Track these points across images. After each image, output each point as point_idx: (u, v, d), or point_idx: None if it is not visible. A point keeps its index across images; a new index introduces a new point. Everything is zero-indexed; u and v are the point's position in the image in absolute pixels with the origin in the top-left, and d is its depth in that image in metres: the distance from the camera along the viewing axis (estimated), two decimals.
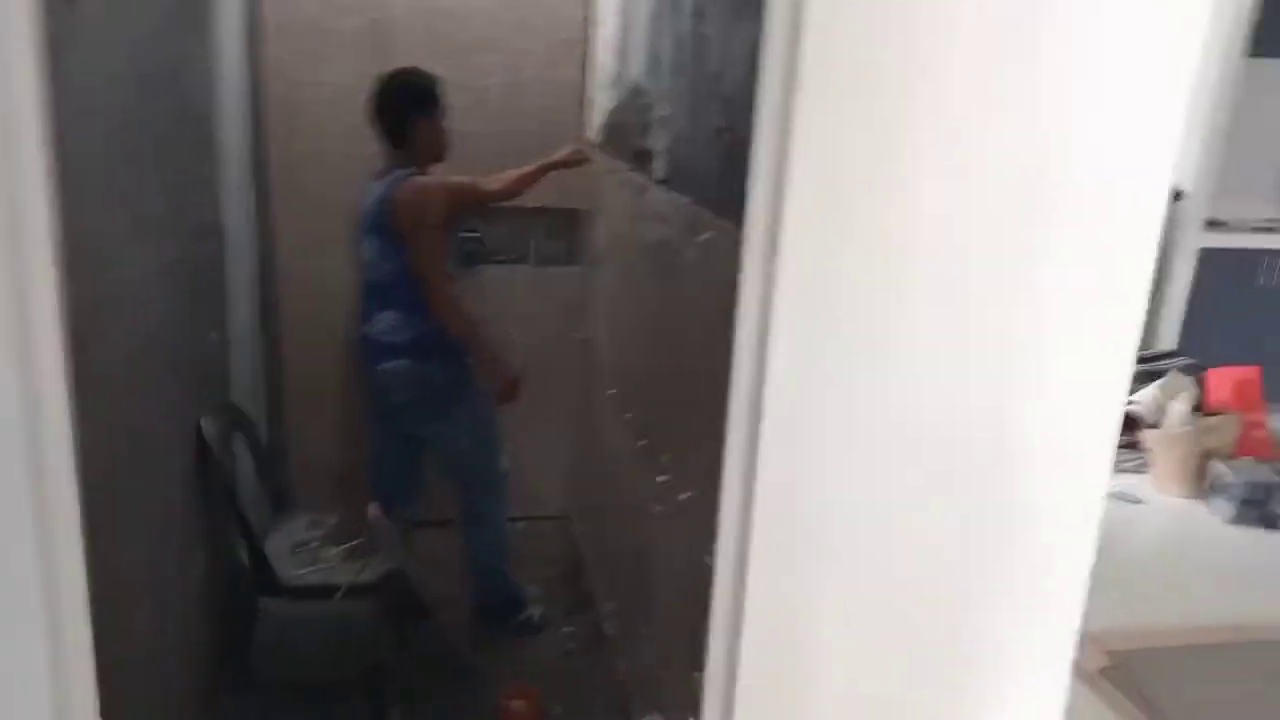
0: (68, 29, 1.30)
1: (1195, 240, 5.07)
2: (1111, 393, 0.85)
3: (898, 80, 0.71)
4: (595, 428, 2.81)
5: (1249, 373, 4.31)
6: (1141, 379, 4.36)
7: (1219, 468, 3.50)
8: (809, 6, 0.70)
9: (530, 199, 3.20)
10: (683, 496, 1.67)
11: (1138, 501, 3.50)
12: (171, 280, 1.89)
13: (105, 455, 1.38)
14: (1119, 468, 3.97)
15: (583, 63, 3.11)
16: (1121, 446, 4.03)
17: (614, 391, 2.48)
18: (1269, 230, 5.39)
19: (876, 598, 0.84)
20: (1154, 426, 3.91)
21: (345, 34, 2.96)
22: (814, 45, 0.70)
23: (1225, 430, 3.76)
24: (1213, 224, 5.17)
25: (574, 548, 3.18)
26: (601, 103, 2.89)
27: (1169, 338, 5.04)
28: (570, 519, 3.31)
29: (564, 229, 3.26)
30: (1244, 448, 3.91)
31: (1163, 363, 4.54)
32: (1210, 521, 3.39)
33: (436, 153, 2.59)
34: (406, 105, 2.52)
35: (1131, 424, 4.00)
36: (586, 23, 3.08)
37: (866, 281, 0.75)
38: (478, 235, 3.17)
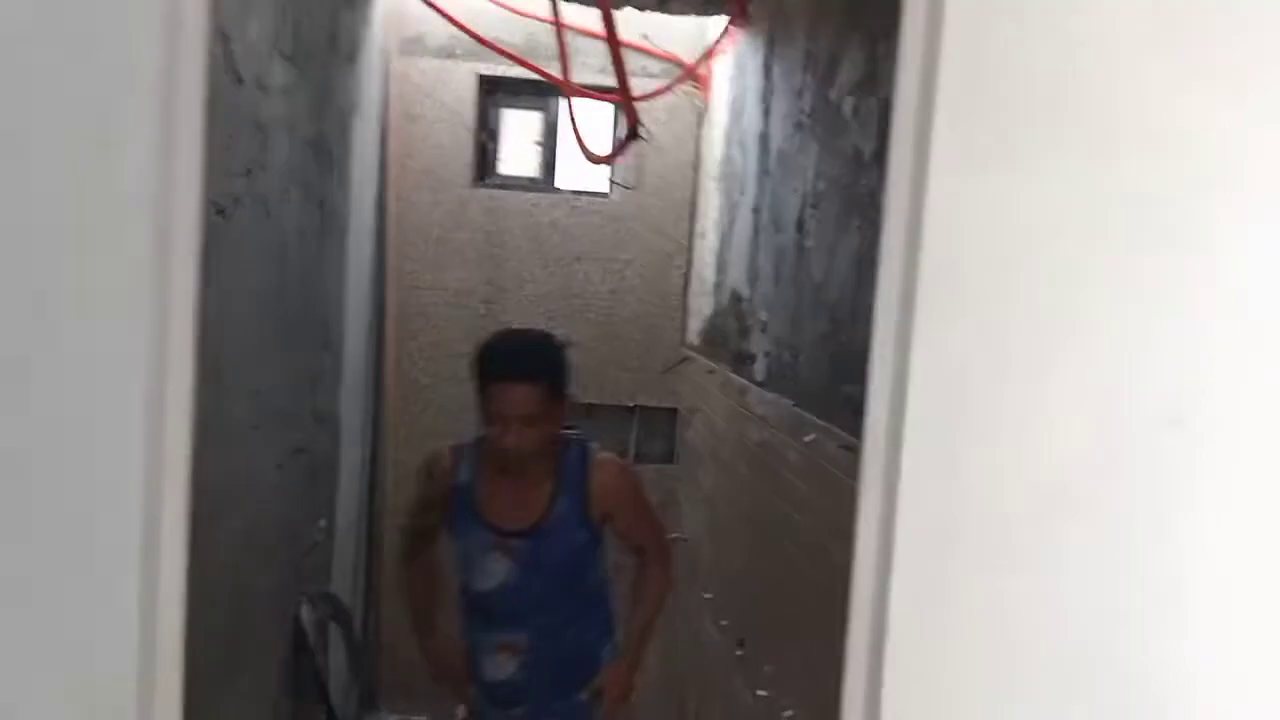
0: (218, 238, 1.44)
1: None
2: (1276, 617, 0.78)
3: (1031, 302, 0.71)
4: (690, 633, 2.72)
5: None
6: None
7: None
8: (928, 222, 0.72)
9: (629, 397, 3.28)
10: (786, 714, 1.57)
11: None
12: (288, 468, 1.97)
13: (209, 639, 1.40)
14: None
15: (685, 273, 3.25)
16: None
17: (710, 595, 2.41)
18: None
19: None
20: None
21: (463, 245, 3.18)
22: (931, 260, 0.71)
23: None
24: None
25: None
26: (701, 309, 2.99)
27: None
28: None
29: (663, 427, 3.30)
30: None
31: None
32: None
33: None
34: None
35: None
36: (690, 234, 3.25)
37: (993, 506, 0.73)
38: (579, 431, 3.23)
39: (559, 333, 2.21)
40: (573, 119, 2.66)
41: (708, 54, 2.90)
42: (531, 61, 2.92)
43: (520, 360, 1.90)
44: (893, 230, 0.74)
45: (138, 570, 0.68)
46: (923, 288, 0.69)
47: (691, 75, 3.00)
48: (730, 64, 2.80)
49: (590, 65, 3.02)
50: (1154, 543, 0.73)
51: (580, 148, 2.70)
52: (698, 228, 3.19)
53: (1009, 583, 0.72)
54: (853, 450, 1.36)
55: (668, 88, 2.90)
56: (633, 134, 2.50)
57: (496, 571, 1.99)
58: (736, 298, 2.51)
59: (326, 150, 2.20)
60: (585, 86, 2.93)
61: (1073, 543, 0.72)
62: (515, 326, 2.43)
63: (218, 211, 1.43)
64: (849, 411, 1.46)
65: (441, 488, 2.01)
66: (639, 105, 2.78)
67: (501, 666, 2.06)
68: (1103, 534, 0.72)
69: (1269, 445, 0.72)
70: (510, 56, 2.91)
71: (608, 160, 2.71)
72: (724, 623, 2.23)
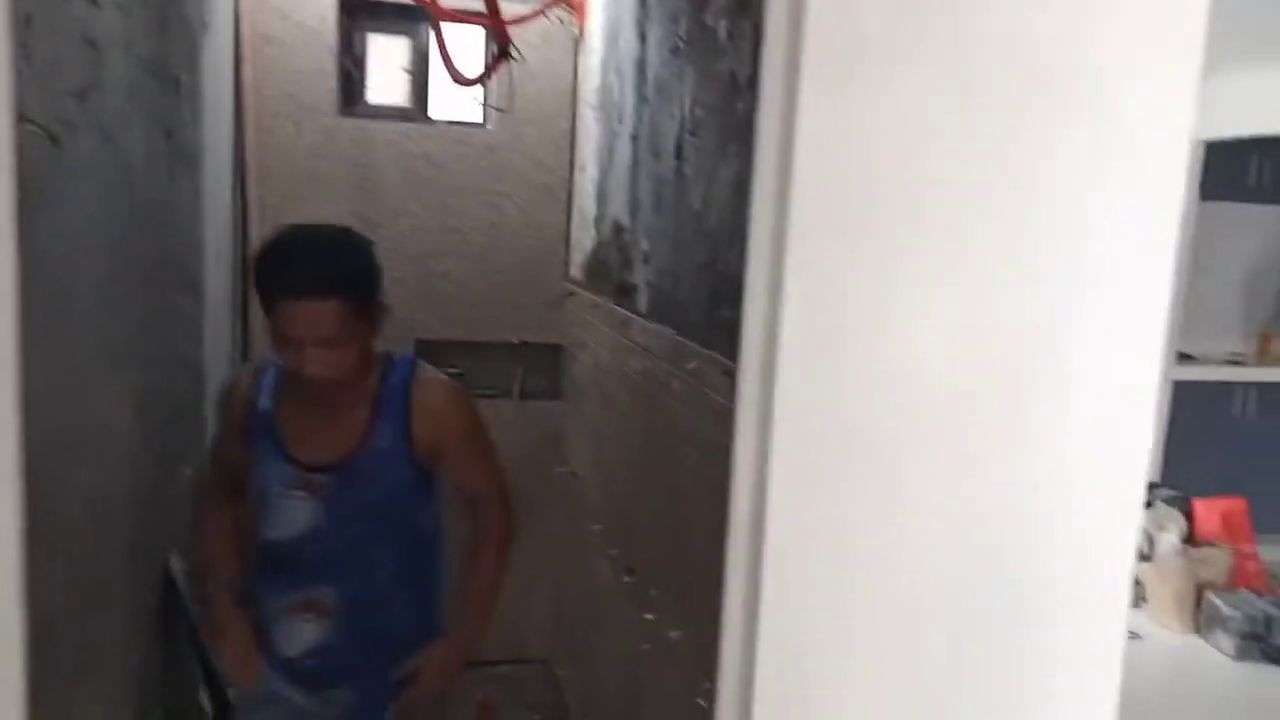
0: (52, 166, 1.32)
1: (1169, 373, 5.15)
2: (1124, 530, 0.82)
3: (890, 220, 0.71)
4: (578, 565, 2.74)
5: (1235, 503, 4.31)
6: None
7: (1216, 602, 3.44)
8: (799, 142, 0.71)
9: (512, 334, 3.23)
10: (673, 635, 1.60)
11: (1136, 637, 3.41)
12: (145, 413, 1.86)
13: (61, 592, 1.32)
14: None
15: (566, 205, 3.20)
16: None
17: (599, 527, 2.43)
18: (1237, 363, 5.51)
19: None
20: (1145, 559, 3.86)
21: (330, 178, 3.03)
22: (802, 180, 0.71)
23: (1218, 562, 3.71)
24: (1184, 357, 5.28)
25: (558, 691, 3.04)
26: (583, 242, 2.96)
27: (1151, 469, 5.04)
28: (553, 661, 3.18)
29: (547, 364, 3.27)
30: (1238, 580, 3.85)
31: (1149, 494, 4.52)
32: (1213, 657, 3.30)
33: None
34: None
35: None
36: (570, 166, 3.18)
37: (866, 416, 0.74)
38: (460, 371, 3.17)
39: (357, 230, 1.70)
40: (441, 42, 2.55)
41: None
42: None
43: (312, 269, 1.51)
44: (764, 151, 0.73)
45: None
46: (795, 207, 0.69)
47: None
48: None
49: None
50: (1016, 457, 0.76)
51: (448, 69, 2.59)
52: (577, 158, 3.13)
53: (880, 498, 0.74)
54: (733, 376, 1.37)
55: (539, 12, 2.80)
56: (503, 53, 2.41)
57: (299, 514, 1.64)
58: (618, 229, 2.48)
59: (172, 74, 2.04)
60: (453, 11, 2.80)
61: (940, 457, 0.74)
62: (301, 223, 1.80)
63: (49, 137, 1.30)
64: (729, 338, 1.47)
65: (239, 414, 1.69)
66: (511, 31, 2.69)
67: (302, 636, 1.68)
68: (968, 448, 0.74)
69: (1129, 362, 0.76)
70: None
71: (477, 82, 2.62)
72: (613, 552, 2.25)
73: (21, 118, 1.09)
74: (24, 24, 1.15)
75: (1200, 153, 5.10)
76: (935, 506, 0.75)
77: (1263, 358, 5.63)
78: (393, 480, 1.68)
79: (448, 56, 2.56)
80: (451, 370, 3.19)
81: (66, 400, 1.37)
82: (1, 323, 0.62)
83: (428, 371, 1.72)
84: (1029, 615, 0.81)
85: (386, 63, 3.19)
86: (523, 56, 2.68)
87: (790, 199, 0.69)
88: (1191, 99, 0.75)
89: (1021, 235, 0.74)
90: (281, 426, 1.67)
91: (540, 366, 3.27)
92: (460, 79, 2.60)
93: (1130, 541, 0.84)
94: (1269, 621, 3.25)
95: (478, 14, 2.64)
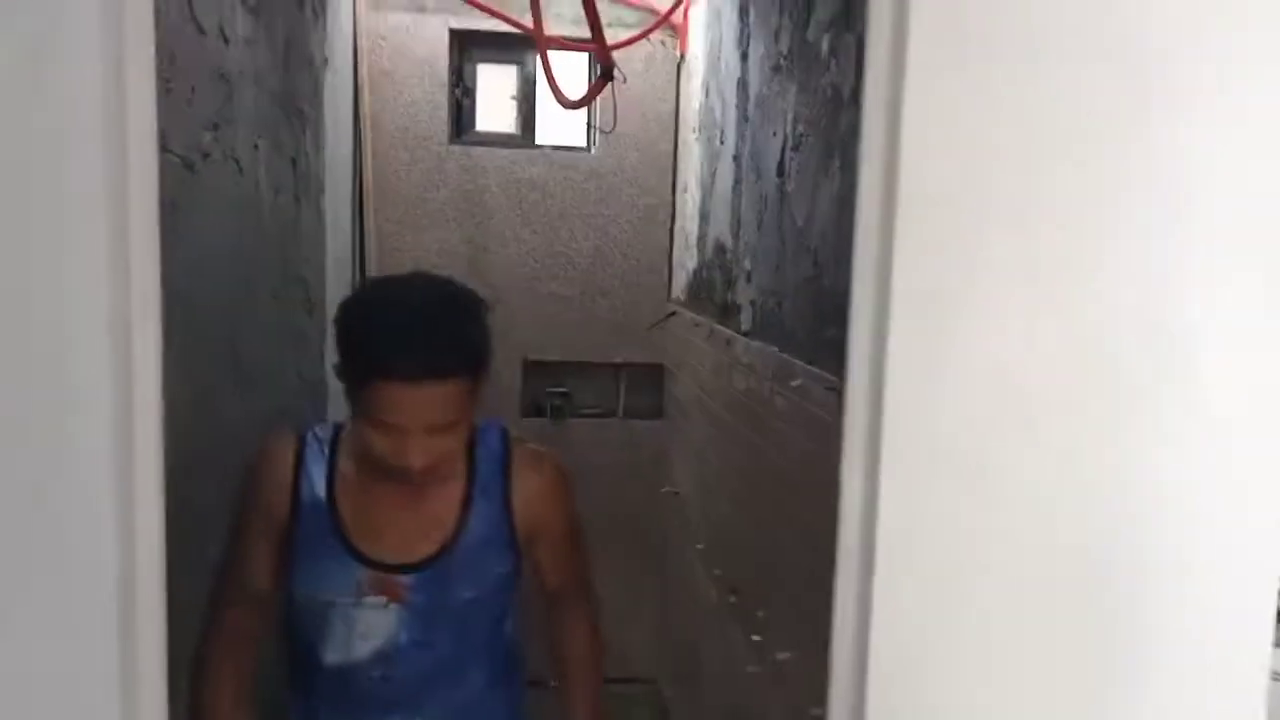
0: (188, 192, 1.41)
1: None
2: (1268, 539, 0.77)
3: (999, 228, 0.70)
4: (683, 584, 2.73)
5: None
6: None
7: None
8: (904, 154, 0.71)
9: (616, 354, 3.26)
10: (780, 656, 1.58)
11: None
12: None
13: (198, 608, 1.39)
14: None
15: (669, 227, 3.22)
16: None
17: (702, 546, 2.42)
18: None
19: None
20: None
21: (442, 204, 3.14)
22: (908, 192, 0.70)
23: None
24: None
25: (663, 712, 3.03)
26: (686, 263, 2.97)
27: None
28: (659, 681, 3.17)
29: (650, 383, 3.30)
30: None
31: None
32: None
33: None
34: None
35: None
36: (672, 188, 3.21)
37: (978, 431, 0.72)
38: (565, 390, 3.23)
39: (470, 286, 1.33)
40: (547, 68, 2.61)
41: (682, 1, 2.85)
42: (504, 12, 2.86)
43: (429, 349, 1.17)
44: (869, 162, 0.72)
45: (114, 534, 0.66)
46: (900, 220, 0.68)
47: (667, 23, 2.95)
48: (706, 9, 2.75)
49: (564, 17, 2.97)
50: (1137, 470, 0.73)
51: (554, 93, 2.65)
52: (680, 181, 3.15)
53: (992, 514, 0.71)
54: (838, 392, 1.35)
55: (642, 35, 2.85)
56: (606, 75, 2.46)
57: (374, 628, 1.27)
58: (720, 249, 2.49)
59: (297, 106, 2.16)
60: (559, 38, 2.87)
61: (1051, 461, 0.71)
62: (396, 275, 1.47)
63: (185, 165, 1.39)
64: (834, 354, 1.45)
65: (274, 505, 1.28)
66: (615, 56, 2.74)
67: None
68: (1087, 462, 0.71)
69: (1242, 354, 0.72)
70: (482, 7, 2.85)
71: (582, 104, 2.67)
72: (717, 572, 2.24)
73: (162, 148, 1.18)
74: (167, 61, 1.24)
75: None
76: (1050, 522, 0.72)
77: None
78: (492, 576, 1.33)
79: (553, 81, 2.63)
80: (555, 390, 3.26)
81: (198, 419, 1.45)
82: (145, 341, 0.67)
83: (526, 441, 1.41)
84: (1153, 641, 0.77)
85: (496, 91, 3.29)
86: (625, 78, 2.72)
87: (896, 211, 0.68)
88: None
89: (1143, 236, 0.71)
90: (344, 517, 1.27)
91: (642, 386, 3.30)
92: (565, 102, 2.66)
93: (1272, 565, 0.79)
94: None
95: (582, 40, 2.70)
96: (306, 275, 2.34)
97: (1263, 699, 0.80)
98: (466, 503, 1.32)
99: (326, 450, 1.31)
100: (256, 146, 1.79)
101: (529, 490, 1.35)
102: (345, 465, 1.30)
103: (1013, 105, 0.68)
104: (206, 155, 1.47)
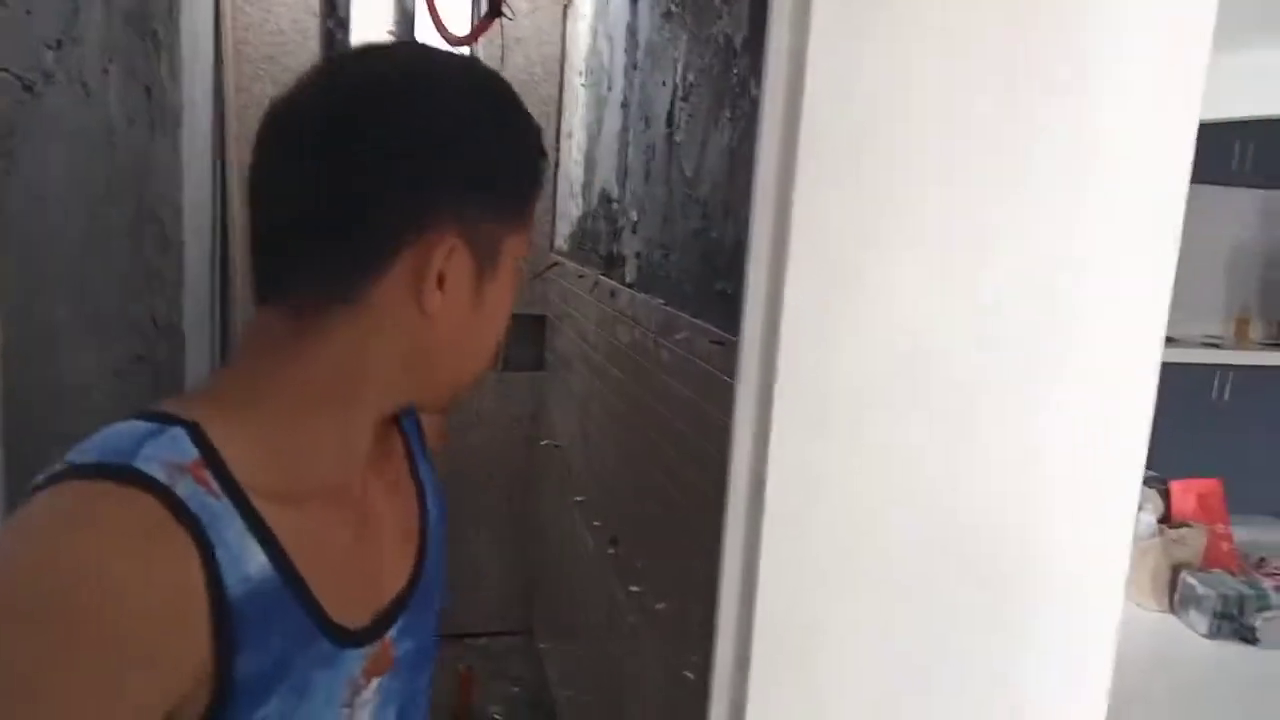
0: (28, 115, 1.28)
1: None
2: (1122, 505, 0.82)
3: (898, 187, 0.70)
4: (563, 537, 2.73)
5: (1211, 485, 4.37)
6: None
7: (1190, 581, 3.49)
8: (807, 100, 0.69)
9: None
10: (659, 607, 1.59)
11: None
12: (128, 376, 1.82)
13: None
14: None
15: (552, 174, 3.16)
16: None
17: (582, 499, 2.41)
18: (1215, 346, 5.56)
19: (883, 709, 0.78)
20: None
21: None
22: (808, 146, 0.69)
23: (1193, 542, 3.77)
24: (1167, 340, 5.32)
25: (539, 664, 3.04)
26: (570, 211, 2.92)
27: None
28: (535, 634, 3.18)
29: (532, 335, 3.25)
30: (1212, 560, 3.91)
31: None
32: (1186, 635, 3.35)
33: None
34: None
35: None
36: (557, 134, 3.14)
37: (868, 387, 0.73)
38: None
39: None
40: (429, 1, 2.49)
41: None
42: None
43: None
44: (770, 110, 0.70)
45: None
46: (801, 168, 0.67)
47: None
48: None
49: None
50: (1016, 431, 0.75)
51: (436, 27, 2.54)
52: (565, 126, 3.09)
53: (879, 469, 0.72)
54: (724, 345, 1.35)
55: None
56: (495, 10, 2.37)
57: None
58: (606, 198, 2.45)
59: (152, 29, 1.99)
60: None
61: (940, 429, 0.72)
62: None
63: (24, 87, 1.26)
64: (721, 307, 1.45)
65: (174, 637, 0.60)
66: None
67: None
68: (969, 421, 0.72)
69: (1132, 339, 0.74)
70: None
71: (467, 41, 2.57)
72: (596, 524, 2.24)
73: None
74: None
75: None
76: (934, 478, 0.74)
77: (1241, 341, 5.69)
78: (442, 569, 0.91)
79: (435, 13, 2.51)
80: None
81: (42, 364, 1.33)
82: None
83: None
84: (1026, 587, 0.80)
85: (372, 22, 3.13)
86: (513, 14, 2.63)
87: (797, 162, 0.67)
88: (1200, 78, 0.74)
89: (1030, 207, 0.73)
90: (311, 587, 0.70)
91: (524, 338, 3.25)
92: (449, 38, 2.55)
93: (1128, 518, 0.83)
94: (1241, 601, 3.30)
95: None
96: (162, 214, 2.18)
97: (1115, 630, 0.85)
98: (415, 474, 0.88)
99: (216, 482, 0.64)
100: (106, 71, 1.64)
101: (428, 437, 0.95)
102: (263, 488, 0.67)
103: (920, 52, 0.68)
104: (49, 76, 1.33)
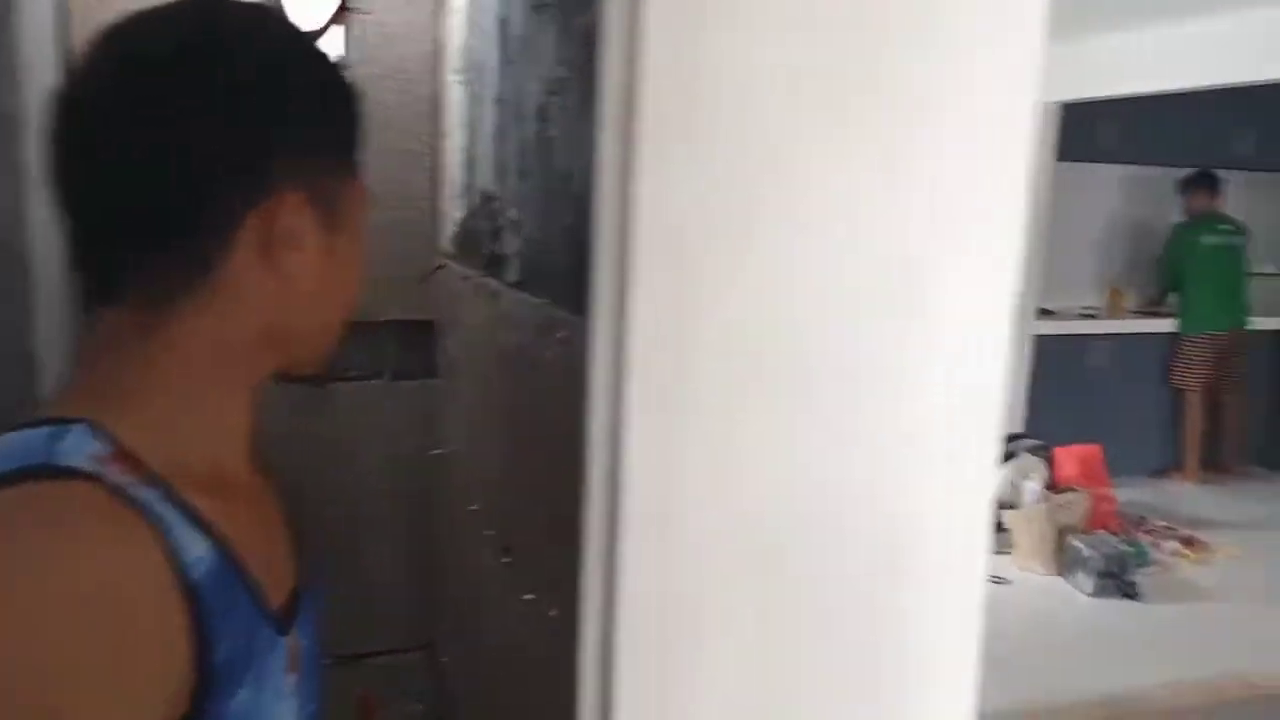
0: None
1: (1030, 328, 5.40)
2: (982, 477, 0.82)
3: (741, 166, 0.67)
4: (457, 548, 2.66)
5: (1091, 450, 4.58)
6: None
7: (1075, 543, 3.65)
8: (643, 88, 0.66)
9: (382, 312, 3.10)
10: (552, 613, 1.56)
11: (1005, 581, 3.58)
12: None
13: None
14: None
15: (433, 174, 3.07)
16: None
17: (475, 508, 2.35)
18: (1091, 317, 5.82)
19: (758, 699, 0.76)
20: (1011, 506, 4.06)
21: None
22: (650, 140, 0.66)
23: (1077, 506, 3.94)
24: (1044, 312, 5.54)
25: (441, 678, 2.97)
26: (453, 212, 2.85)
27: (1015, 420, 5.29)
28: (436, 648, 3.10)
29: (422, 341, 3.16)
30: (1095, 521, 4.10)
31: (1012, 444, 4.75)
32: (1073, 596, 3.50)
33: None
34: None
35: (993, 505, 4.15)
36: (436, 132, 3.06)
37: (723, 371, 0.70)
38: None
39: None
40: None
41: None
42: None
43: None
44: (609, 96, 0.68)
45: None
46: (641, 154, 0.64)
47: None
48: None
49: None
50: (874, 407, 0.74)
51: None
52: (444, 125, 3.01)
53: (738, 452, 0.70)
54: None
55: None
56: (344, 5, 2.28)
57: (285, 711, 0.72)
58: (487, 197, 2.39)
59: None
60: None
61: (799, 407, 0.71)
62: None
63: None
64: None
65: (164, 637, 0.58)
66: None
67: None
68: (827, 399, 0.71)
69: (985, 310, 0.74)
70: None
71: (315, 37, 2.47)
72: (489, 533, 2.19)
73: None
74: None
75: (1054, 115, 5.33)
76: (793, 458, 0.72)
77: (1115, 311, 5.97)
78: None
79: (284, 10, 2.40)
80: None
81: None
82: None
83: None
84: (889, 563, 0.79)
85: None
86: (369, 9, 2.53)
87: (637, 149, 0.64)
88: (1038, 54, 0.73)
89: (876, 182, 0.71)
90: (249, 571, 0.68)
91: (413, 344, 3.16)
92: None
93: (987, 488, 0.83)
94: (1122, 560, 3.47)
95: None
96: (4, 231, 2.03)
97: (981, 602, 0.85)
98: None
99: (138, 473, 0.61)
100: None
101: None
102: (178, 477, 0.64)
103: (762, 38, 0.65)
104: None
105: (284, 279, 0.69)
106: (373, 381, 3.11)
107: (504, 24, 2.18)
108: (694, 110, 0.64)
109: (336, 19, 2.33)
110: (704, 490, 0.70)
